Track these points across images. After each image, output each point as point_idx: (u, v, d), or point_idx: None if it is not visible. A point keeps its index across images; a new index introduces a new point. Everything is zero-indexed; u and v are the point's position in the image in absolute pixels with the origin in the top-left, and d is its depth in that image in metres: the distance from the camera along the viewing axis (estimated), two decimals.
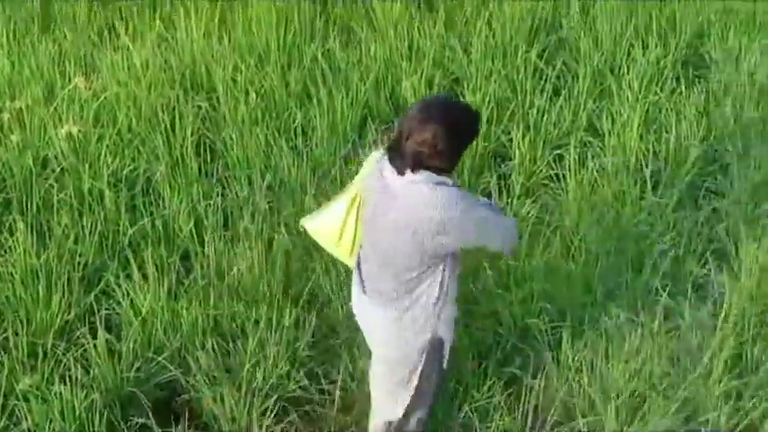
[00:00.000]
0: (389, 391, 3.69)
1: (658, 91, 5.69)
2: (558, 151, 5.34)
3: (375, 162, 3.50)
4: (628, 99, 5.58)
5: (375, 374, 3.72)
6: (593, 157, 5.26)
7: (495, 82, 5.68)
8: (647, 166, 5.07)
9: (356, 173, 3.62)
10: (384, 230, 3.42)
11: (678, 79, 5.89)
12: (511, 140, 5.34)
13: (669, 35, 6.18)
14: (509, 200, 5.01)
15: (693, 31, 6.25)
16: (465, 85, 5.72)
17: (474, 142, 3.27)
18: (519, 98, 5.63)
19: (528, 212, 4.90)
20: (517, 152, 5.26)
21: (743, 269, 4.45)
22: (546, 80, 5.80)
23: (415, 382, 3.62)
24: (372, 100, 5.66)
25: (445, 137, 3.25)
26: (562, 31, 6.28)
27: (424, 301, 3.49)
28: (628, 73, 5.79)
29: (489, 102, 5.49)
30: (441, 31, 6.15)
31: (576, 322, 4.14)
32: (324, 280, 4.36)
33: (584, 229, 4.69)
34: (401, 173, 3.31)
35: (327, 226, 3.76)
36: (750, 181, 5.01)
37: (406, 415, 3.73)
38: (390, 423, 3.78)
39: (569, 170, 5.07)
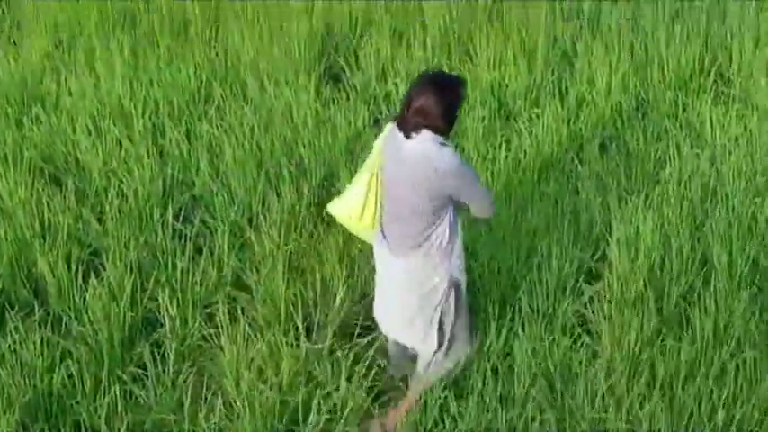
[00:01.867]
0: (418, 333, 5.10)
1: (298, 237, 6.50)
2: (208, 310, 5.96)
3: (388, 132, 4.89)
4: (269, 249, 6.32)
5: (402, 320, 5.11)
6: (243, 311, 5.93)
7: (134, 249, 6.23)
8: (297, 314, 5.81)
9: None
10: (401, 186, 4.78)
11: (315, 222, 6.74)
12: (159, 306, 5.90)
13: (301, 179, 7.03)
14: (164, 368, 5.55)
15: (325, 173, 7.14)
16: (104, 257, 6.21)
17: (462, 105, 4.91)
18: (161, 262, 6.20)
19: (185, 379, 5.48)
20: (167, 317, 5.82)
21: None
22: (186, 240, 6.41)
23: (437, 319, 5.02)
24: (9, 286, 5.98)
25: (436, 101, 4.64)
26: (195, 188, 6.96)
27: (437, 245, 4.87)
28: (266, 222, 6.55)
29: (131, 270, 5.98)
30: (72, 204, 6.62)
31: None
32: None
33: (246, 390, 5.32)
34: (408, 137, 4.70)
35: (349, 205, 5.10)
36: None
37: (439, 352, 5.16)
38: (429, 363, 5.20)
39: (221, 328, 5.70)
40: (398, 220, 4.89)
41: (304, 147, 7.24)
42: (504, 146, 7.21)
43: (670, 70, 8.12)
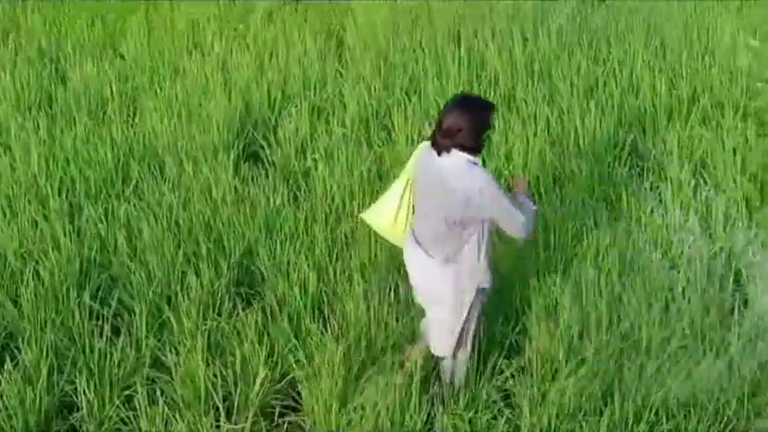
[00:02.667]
0: (444, 333, 5.56)
1: (216, 316, 6.50)
2: (127, 392, 5.92)
3: (422, 150, 5.40)
4: (188, 328, 6.31)
5: (432, 321, 5.60)
6: (162, 392, 5.90)
7: (50, 331, 6.17)
8: (217, 394, 5.80)
9: None
10: (430, 200, 5.29)
11: (235, 301, 6.75)
12: (76, 389, 5.84)
13: (219, 257, 7.04)
14: None
15: (243, 249, 7.17)
16: (20, 340, 6.14)
17: (490, 126, 5.30)
18: (78, 344, 6.14)
19: None
20: (84, 400, 5.76)
21: None
22: (103, 321, 6.36)
23: (461, 323, 5.48)
24: None
25: (463, 121, 5.11)
26: (112, 268, 6.94)
27: (469, 258, 5.30)
28: (184, 301, 6.54)
29: (47, 353, 5.92)
30: None
31: None
32: None
33: None
34: (440, 154, 5.18)
35: (383, 212, 5.67)
36: None
37: (454, 354, 5.66)
38: (439, 359, 5.74)
39: (140, 410, 5.67)
40: (431, 232, 5.37)
41: (223, 224, 7.28)
42: None
43: (586, 144, 8.32)
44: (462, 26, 10.24)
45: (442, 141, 5.16)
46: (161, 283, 6.71)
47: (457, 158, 5.15)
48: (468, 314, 5.52)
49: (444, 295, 5.44)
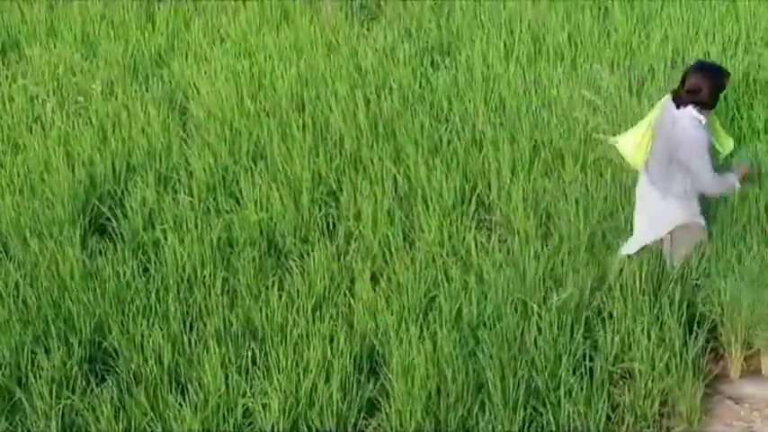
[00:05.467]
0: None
1: (70, 394, 6.41)
2: None
3: (666, 101, 7.02)
4: (41, 409, 6.20)
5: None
6: None
7: None
8: None
9: None
10: (662, 141, 6.94)
11: (88, 377, 6.66)
12: None
13: (70, 334, 6.93)
14: None
15: (94, 325, 7.08)
16: None
17: (724, 89, 7.01)
18: None
19: None
20: None
21: None
22: None
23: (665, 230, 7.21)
24: None
25: (705, 84, 6.78)
26: None
27: (677, 191, 6.97)
28: (36, 382, 6.44)
29: None
30: None
31: None
32: None
33: None
34: (678, 107, 6.85)
35: (633, 136, 7.25)
36: None
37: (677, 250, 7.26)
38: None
39: None
40: (656, 164, 7.06)
41: (72, 301, 7.19)
42: (276, 285, 7.36)
43: (433, 201, 8.49)
44: (305, 90, 10.37)
45: (684, 97, 6.79)
46: (10, 365, 6.60)
47: (688, 112, 6.78)
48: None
49: (657, 218, 7.14)
